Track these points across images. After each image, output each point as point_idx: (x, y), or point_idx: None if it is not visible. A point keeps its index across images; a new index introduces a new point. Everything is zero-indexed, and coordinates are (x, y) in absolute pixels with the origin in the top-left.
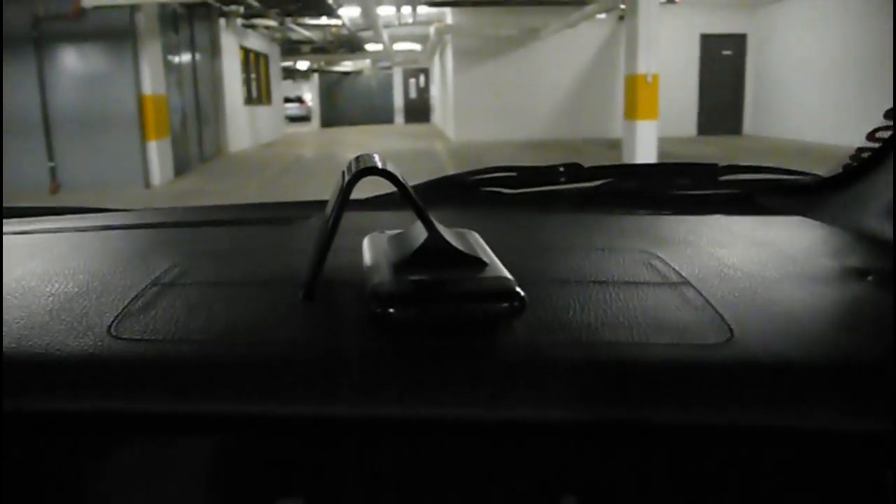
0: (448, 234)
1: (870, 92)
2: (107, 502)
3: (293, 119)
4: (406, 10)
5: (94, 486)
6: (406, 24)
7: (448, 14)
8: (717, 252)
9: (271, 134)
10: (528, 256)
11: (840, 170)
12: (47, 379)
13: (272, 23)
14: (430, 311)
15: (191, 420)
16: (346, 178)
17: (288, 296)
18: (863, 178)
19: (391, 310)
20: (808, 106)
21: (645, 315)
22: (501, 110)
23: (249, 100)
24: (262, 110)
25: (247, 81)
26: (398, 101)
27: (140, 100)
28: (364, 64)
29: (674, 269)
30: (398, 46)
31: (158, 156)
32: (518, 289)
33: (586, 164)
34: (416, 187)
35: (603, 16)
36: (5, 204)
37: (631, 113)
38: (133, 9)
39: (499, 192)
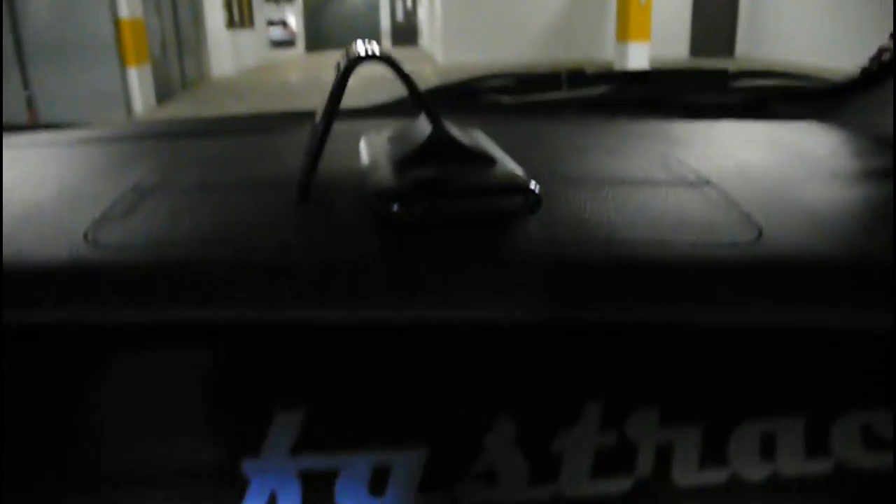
0: (454, 130)
1: (866, 13)
2: (92, 419)
3: (277, 44)
4: None
5: (76, 401)
6: None
7: None
8: (736, 153)
9: (255, 59)
10: (536, 158)
11: (857, 74)
12: (14, 291)
13: None
14: (437, 207)
15: (178, 329)
16: (343, 66)
17: (281, 199)
18: (880, 83)
19: (394, 207)
20: (802, 27)
21: (667, 213)
22: (490, 32)
23: (231, 24)
24: (244, 34)
25: (227, 4)
26: (385, 23)
27: (117, 24)
28: None
29: (693, 169)
30: None
31: (139, 82)
32: (532, 184)
33: None
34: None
35: None
36: None
37: (623, 34)
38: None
39: (498, 100)
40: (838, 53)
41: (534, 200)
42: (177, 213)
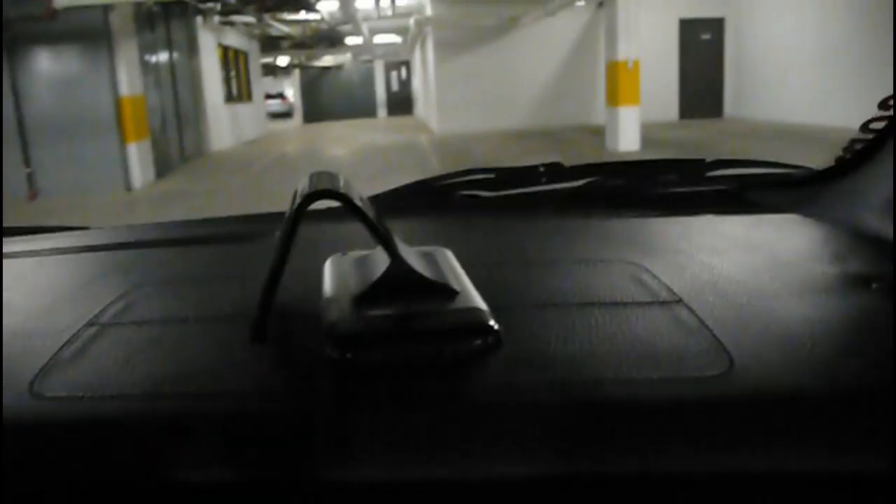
0: (414, 258)
1: (848, 74)
2: None
3: (275, 115)
4: (385, 2)
5: None
6: (385, 17)
7: (427, 5)
8: (709, 261)
9: (253, 131)
10: (505, 274)
11: (833, 163)
12: None
13: (250, 19)
14: (393, 353)
15: (111, 492)
16: (296, 203)
17: (238, 335)
18: (858, 172)
19: (349, 354)
20: (787, 88)
21: (634, 343)
22: (484, 101)
23: (230, 97)
24: (242, 108)
25: (226, 79)
26: (380, 94)
27: (117, 102)
28: (345, 58)
29: (664, 285)
30: (378, 39)
31: (139, 158)
32: (492, 322)
33: (571, 151)
34: (391, 192)
35: (582, 3)
36: None
37: (612, 99)
38: (107, 8)
39: (476, 196)
40: (824, 112)
41: (493, 340)
42: (129, 354)
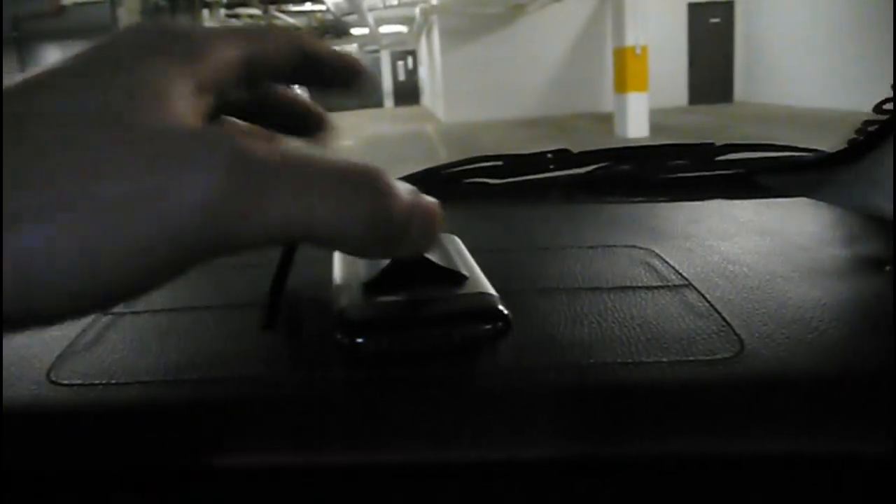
0: None
1: (860, 55)
2: None
3: None
4: None
5: None
6: (391, 7)
7: None
8: (719, 245)
9: None
10: (513, 260)
11: (845, 145)
12: None
13: (256, 11)
14: (403, 338)
15: (128, 476)
16: None
17: (250, 322)
18: (870, 154)
19: (359, 339)
20: (798, 71)
21: (643, 327)
22: (491, 89)
23: None
24: None
25: None
26: (387, 84)
27: None
28: (351, 48)
29: (674, 269)
30: (384, 29)
31: None
32: (501, 307)
33: (579, 139)
34: (399, 181)
35: None
36: None
37: (621, 86)
38: (114, 3)
39: (484, 183)
40: (835, 95)
41: (503, 325)
42: (142, 342)
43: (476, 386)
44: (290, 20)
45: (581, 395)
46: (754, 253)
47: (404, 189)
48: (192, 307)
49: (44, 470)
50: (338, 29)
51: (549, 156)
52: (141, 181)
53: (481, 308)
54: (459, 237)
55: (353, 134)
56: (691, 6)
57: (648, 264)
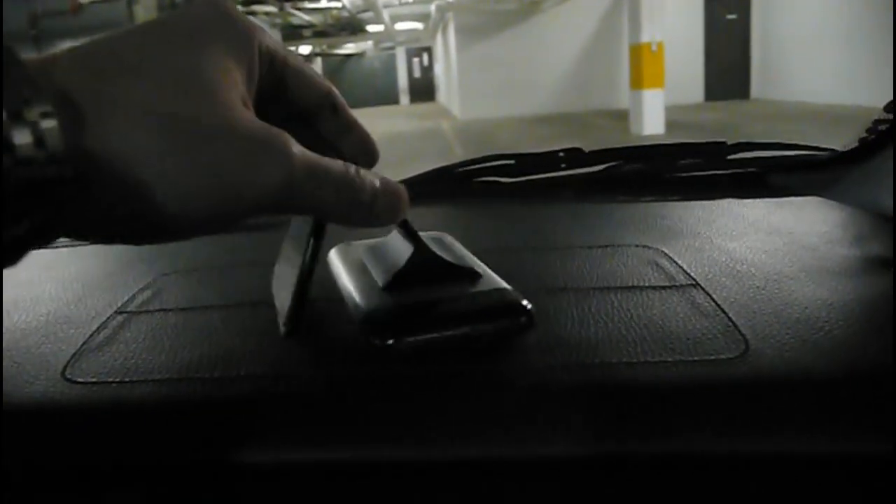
0: (431, 244)
1: (879, 53)
2: None
3: None
4: None
5: None
6: (406, 3)
7: None
8: (728, 245)
9: None
10: (523, 259)
11: (855, 144)
12: None
13: (272, 8)
14: (434, 336)
15: (142, 473)
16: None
17: (261, 321)
18: (881, 153)
19: (391, 341)
20: (815, 67)
21: (650, 327)
22: (507, 86)
23: None
24: None
25: None
26: (402, 81)
27: None
28: (366, 45)
29: (682, 269)
30: (400, 26)
31: None
32: (525, 301)
33: (595, 135)
34: (411, 180)
35: None
36: None
37: (637, 82)
38: (130, 2)
39: (496, 182)
40: (853, 91)
41: (527, 320)
42: (157, 340)
43: (482, 386)
44: (306, 17)
45: (586, 395)
46: (762, 253)
47: (371, 180)
48: (204, 306)
49: (59, 467)
50: (353, 26)
51: (561, 154)
52: (234, 166)
53: (506, 303)
54: (471, 235)
55: (370, 132)
56: (708, 2)
57: (657, 264)
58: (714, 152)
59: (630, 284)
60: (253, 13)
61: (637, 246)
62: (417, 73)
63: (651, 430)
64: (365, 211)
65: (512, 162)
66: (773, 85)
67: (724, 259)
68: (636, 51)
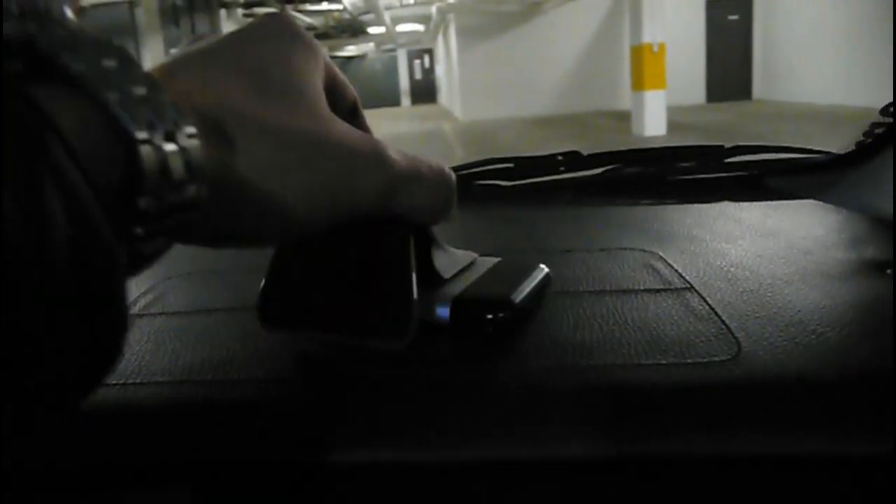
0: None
1: (880, 52)
2: None
3: None
4: None
5: None
6: (407, 5)
7: None
8: (723, 248)
9: None
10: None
11: (853, 147)
12: None
13: (273, 10)
14: (421, 339)
15: (141, 474)
16: None
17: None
18: (878, 156)
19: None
20: (818, 68)
21: (644, 329)
22: (508, 87)
23: None
24: None
25: None
26: (404, 83)
27: None
28: (368, 48)
29: (676, 272)
30: (401, 28)
31: None
32: (513, 296)
33: (596, 136)
34: None
35: None
36: None
37: (638, 83)
38: (132, 4)
39: (495, 185)
40: (855, 92)
41: (511, 313)
42: (158, 345)
43: (477, 388)
44: (308, 20)
45: (581, 397)
46: (757, 256)
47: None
48: (206, 309)
49: (59, 467)
50: (354, 28)
51: (560, 158)
52: (343, 178)
53: (496, 296)
54: (468, 239)
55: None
56: (710, 3)
57: (652, 267)
58: (712, 156)
59: (625, 288)
60: (254, 15)
61: (633, 249)
62: (419, 75)
63: (644, 431)
64: (450, 206)
65: (511, 165)
66: (775, 86)
67: (719, 262)
68: (637, 52)
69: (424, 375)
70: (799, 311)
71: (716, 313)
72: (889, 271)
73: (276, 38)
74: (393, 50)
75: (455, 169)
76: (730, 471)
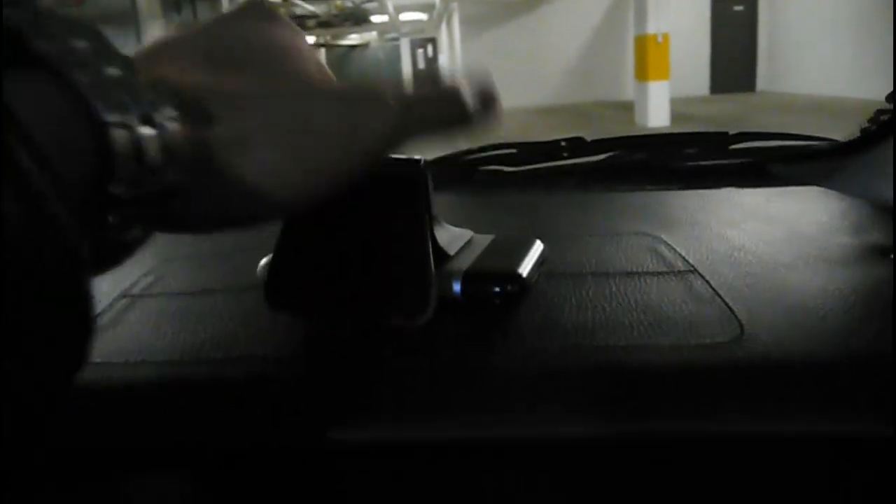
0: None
1: (886, 43)
2: None
3: None
4: None
5: None
6: None
7: None
8: (726, 232)
9: None
10: None
11: (857, 134)
12: None
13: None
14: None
15: (142, 454)
16: None
17: (261, 304)
18: (883, 143)
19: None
20: (822, 59)
21: (647, 311)
22: (512, 76)
23: None
24: None
25: None
26: (407, 72)
27: None
28: (371, 36)
29: (680, 256)
30: (404, 17)
31: None
32: (519, 270)
33: (600, 126)
34: None
35: None
36: None
37: (642, 74)
38: None
39: (498, 171)
40: (859, 84)
41: (517, 287)
42: (158, 325)
43: (480, 368)
44: (310, 7)
45: (583, 378)
46: (761, 241)
47: (469, 93)
48: (207, 290)
49: (59, 447)
50: (357, 17)
51: (563, 144)
52: (346, 119)
53: (504, 270)
54: (473, 224)
55: None
56: None
57: (655, 251)
58: (716, 142)
59: (628, 270)
60: None
61: (637, 233)
62: (422, 65)
63: (647, 411)
64: (468, 117)
65: (514, 151)
66: (779, 77)
67: (722, 247)
68: (641, 42)
69: (427, 355)
70: (801, 294)
71: (719, 295)
72: (891, 256)
73: (255, 19)
74: (396, 39)
75: (457, 154)
76: (732, 451)
